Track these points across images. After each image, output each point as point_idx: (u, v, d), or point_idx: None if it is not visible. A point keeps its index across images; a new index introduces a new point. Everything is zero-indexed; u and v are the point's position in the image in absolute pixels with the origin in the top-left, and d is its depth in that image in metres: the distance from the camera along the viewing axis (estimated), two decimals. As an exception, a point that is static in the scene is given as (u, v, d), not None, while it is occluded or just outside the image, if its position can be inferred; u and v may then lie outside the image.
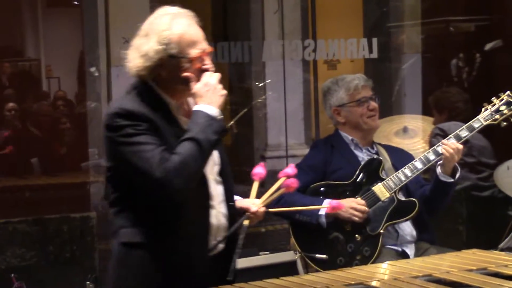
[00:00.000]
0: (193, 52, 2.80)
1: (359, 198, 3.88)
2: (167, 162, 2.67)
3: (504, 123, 3.89)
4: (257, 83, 6.86)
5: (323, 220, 3.84)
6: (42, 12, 8.93)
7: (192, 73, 2.80)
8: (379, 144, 4.17)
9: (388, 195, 3.88)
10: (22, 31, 8.99)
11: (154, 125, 2.74)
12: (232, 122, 5.90)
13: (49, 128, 7.10)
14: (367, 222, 3.85)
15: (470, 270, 2.79)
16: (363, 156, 4.03)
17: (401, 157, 4.06)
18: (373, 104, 4.04)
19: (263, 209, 2.96)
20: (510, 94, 3.92)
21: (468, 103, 5.56)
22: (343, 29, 7.17)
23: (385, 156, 4.04)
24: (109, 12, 6.25)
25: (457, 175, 3.87)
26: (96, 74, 6.33)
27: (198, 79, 2.80)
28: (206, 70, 2.82)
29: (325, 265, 3.77)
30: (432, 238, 4.06)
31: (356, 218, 3.81)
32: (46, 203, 6.03)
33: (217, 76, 2.82)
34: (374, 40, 6.04)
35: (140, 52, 2.79)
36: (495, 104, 3.91)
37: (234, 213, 2.92)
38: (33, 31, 8.99)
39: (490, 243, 4.44)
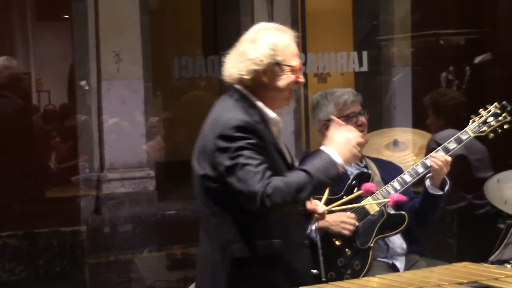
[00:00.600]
0: (295, 63, 2.96)
1: (348, 212, 3.87)
2: (269, 178, 2.78)
3: (492, 135, 3.90)
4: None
5: (314, 234, 3.82)
6: (32, 26, 8.90)
7: (289, 83, 2.97)
8: (368, 157, 4.17)
9: (377, 208, 3.88)
10: (12, 45, 8.95)
11: (262, 138, 2.88)
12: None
13: (39, 142, 7.07)
14: (357, 236, 3.84)
15: (461, 283, 2.77)
16: (352, 170, 4.02)
17: (390, 170, 4.06)
18: (362, 120, 4.02)
19: (326, 209, 3.18)
20: (497, 105, 3.92)
21: (465, 106, 5.51)
22: (333, 42, 7.19)
23: (374, 170, 4.04)
24: (99, 26, 6.26)
25: (446, 188, 3.87)
26: (87, 87, 6.34)
27: (292, 89, 3.00)
28: (301, 82, 2.99)
29: (315, 280, 3.75)
30: (422, 250, 4.06)
31: (346, 232, 3.81)
32: (36, 217, 6.00)
33: (358, 136, 2.99)
34: (364, 53, 6.05)
35: (246, 56, 2.92)
36: (482, 116, 3.92)
37: (305, 215, 3.11)
38: (23, 44, 8.95)
39: (481, 256, 4.44)
